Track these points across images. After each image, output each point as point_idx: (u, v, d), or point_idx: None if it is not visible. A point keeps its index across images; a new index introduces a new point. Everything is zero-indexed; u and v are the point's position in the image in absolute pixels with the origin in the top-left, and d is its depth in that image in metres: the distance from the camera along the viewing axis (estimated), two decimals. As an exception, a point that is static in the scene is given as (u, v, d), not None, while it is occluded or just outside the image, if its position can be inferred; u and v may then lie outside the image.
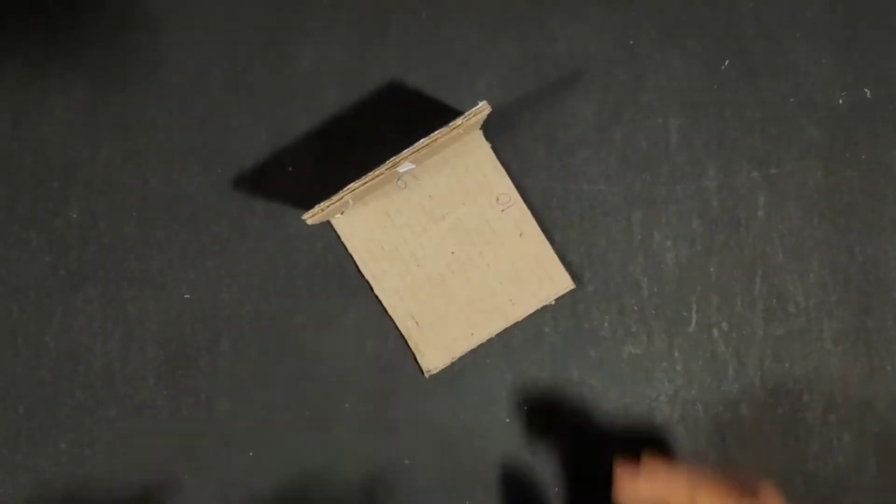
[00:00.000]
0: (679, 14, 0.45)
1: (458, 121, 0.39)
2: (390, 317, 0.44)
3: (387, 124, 0.45)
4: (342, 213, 0.43)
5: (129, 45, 0.47)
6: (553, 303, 0.44)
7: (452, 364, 0.44)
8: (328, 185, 0.42)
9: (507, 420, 0.44)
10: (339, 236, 0.44)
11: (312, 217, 0.40)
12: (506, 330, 0.44)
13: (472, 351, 0.44)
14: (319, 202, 0.40)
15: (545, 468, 0.44)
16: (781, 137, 0.44)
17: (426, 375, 0.44)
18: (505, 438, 0.44)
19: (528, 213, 0.44)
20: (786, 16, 0.45)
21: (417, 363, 0.44)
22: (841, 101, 0.44)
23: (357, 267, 0.44)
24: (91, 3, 0.47)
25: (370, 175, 0.40)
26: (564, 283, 0.44)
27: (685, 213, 0.44)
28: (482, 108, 0.40)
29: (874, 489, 0.44)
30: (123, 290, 0.45)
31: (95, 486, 0.45)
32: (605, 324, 0.44)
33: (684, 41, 0.45)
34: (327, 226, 0.44)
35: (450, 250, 0.44)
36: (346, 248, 0.44)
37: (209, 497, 0.45)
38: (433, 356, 0.44)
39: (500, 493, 0.44)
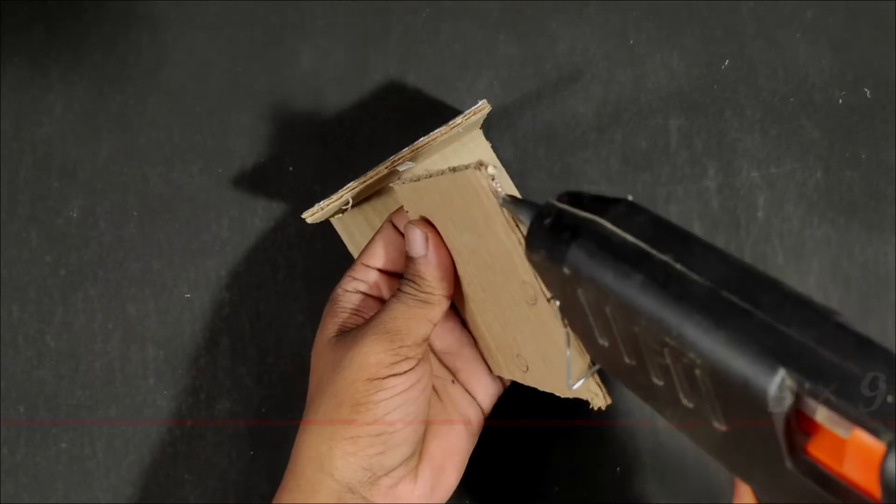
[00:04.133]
0: (679, 14, 0.45)
1: (458, 119, 0.39)
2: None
3: (387, 124, 0.45)
4: (342, 213, 0.43)
5: (130, 44, 0.47)
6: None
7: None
8: (328, 185, 0.42)
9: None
10: (339, 236, 0.44)
11: (312, 216, 0.40)
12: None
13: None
14: (319, 202, 0.40)
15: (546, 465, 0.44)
16: (781, 137, 0.44)
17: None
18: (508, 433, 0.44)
19: (529, 212, 0.44)
20: (786, 16, 0.45)
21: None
22: (841, 101, 0.44)
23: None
24: (92, 3, 0.47)
25: (370, 174, 0.40)
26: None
27: (685, 214, 0.44)
28: (482, 107, 0.40)
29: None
30: (124, 290, 0.45)
31: (96, 485, 0.45)
32: (606, 323, 0.44)
33: (684, 41, 0.45)
34: (327, 225, 0.44)
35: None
36: (346, 248, 0.44)
37: (209, 497, 0.45)
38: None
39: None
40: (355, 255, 0.44)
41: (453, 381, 0.39)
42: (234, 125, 0.46)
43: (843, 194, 0.44)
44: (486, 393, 0.40)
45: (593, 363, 0.32)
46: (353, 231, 0.44)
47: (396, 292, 0.36)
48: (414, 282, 0.36)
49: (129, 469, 0.45)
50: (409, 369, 0.35)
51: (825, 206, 0.44)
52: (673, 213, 0.44)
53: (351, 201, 0.42)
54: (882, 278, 0.44)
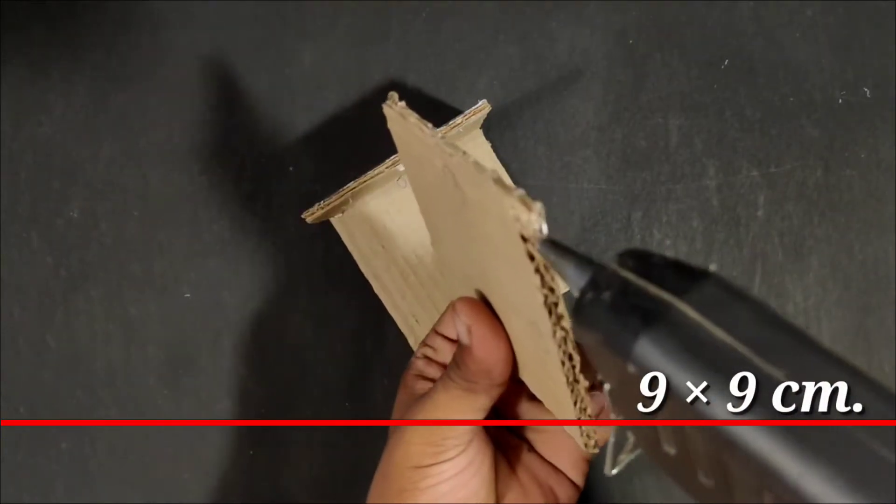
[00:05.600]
0: (679, 14, 0.45)
1: (458, 119, 0.40)
2: (391, 316, 0.44)
3: (387, 124, 0.45)
4: (342, 213, 0.43)
5: (130, 44, 0.47)
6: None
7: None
8: (328, 185, 0.42)
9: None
10: (339, 236, 0.44)
11: (312, 216, 0.40)
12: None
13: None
14: (319, 202, 0.40)
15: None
16: (781, 137, 0.44)
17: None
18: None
19: (529, 212, 0.44)
20: (785, 15, 0.45)
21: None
22: (840, 101, 0.44)
23: (357, 267, 0.44)
24: (92, 3, 0.47)
25: (370, 174, 0.40)
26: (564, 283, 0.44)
27: (685, 212, 0.45)
28: (482, 107, 0.40)
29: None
30: (125, 291, 0.45)
31: (97, 485, 0.45)
32: (606, 323, 0.44)
33: (684, 41, 0.45)
34: (327, 225, 0.44)
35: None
36: (346, 248, 0.44)
37: (210, 497, 0.45)
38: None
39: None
40: (356, 256, 0.44)
41: (528, 450, 0.36)
42: (234, 125, 0.46)
43: (842, 193, 0.44)
44: (570, 459, 0.35)
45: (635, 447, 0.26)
46: (353, 231, 0.44)
47: (443, 374, 0.32)
48: (459, 367, 0.31)
49: (130, 469, 0.45)
50: (458, 455, 0.31)
51: (825, 205, 0.44)
52: (673, 212, 0.44)
53: (351, 201, 0.42)
54: (882, 277, 0.44)
